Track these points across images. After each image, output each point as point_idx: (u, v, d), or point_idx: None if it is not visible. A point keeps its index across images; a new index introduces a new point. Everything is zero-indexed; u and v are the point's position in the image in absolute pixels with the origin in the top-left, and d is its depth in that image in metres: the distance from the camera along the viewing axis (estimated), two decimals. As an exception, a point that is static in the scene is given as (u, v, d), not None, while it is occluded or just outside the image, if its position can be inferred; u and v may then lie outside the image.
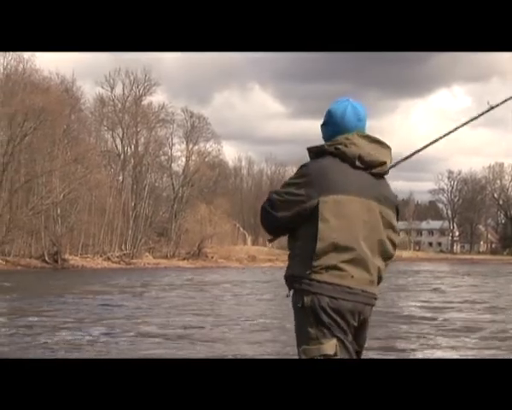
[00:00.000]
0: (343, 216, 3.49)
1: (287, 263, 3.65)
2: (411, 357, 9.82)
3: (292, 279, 3.52)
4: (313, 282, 3.42)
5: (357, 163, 3.58)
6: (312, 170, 3.57)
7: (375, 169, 3.64)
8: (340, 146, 3.59)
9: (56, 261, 51.69)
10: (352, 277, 3.46)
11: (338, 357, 3.39)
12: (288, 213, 3.56)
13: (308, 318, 3.42)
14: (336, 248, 3.45)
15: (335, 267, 3.44)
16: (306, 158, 3.71)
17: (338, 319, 3.41)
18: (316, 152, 3.67)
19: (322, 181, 3.51)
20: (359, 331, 3.54)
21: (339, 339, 3.42)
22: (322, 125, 3.79)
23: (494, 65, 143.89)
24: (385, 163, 3.67)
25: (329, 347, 3.39)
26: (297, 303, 3.47)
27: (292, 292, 3.55)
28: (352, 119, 3.69)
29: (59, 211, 54.62)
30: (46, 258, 51.83)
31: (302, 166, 3.63)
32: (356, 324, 3.49)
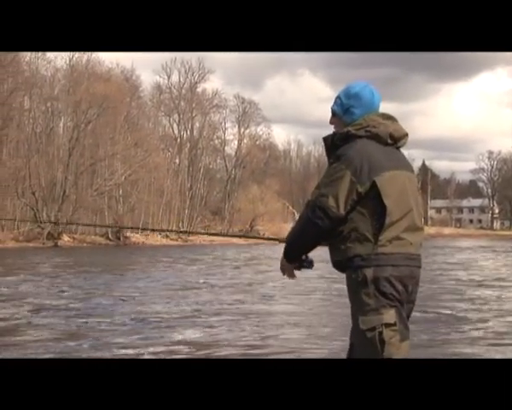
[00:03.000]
0: (398, 189, 3.49)
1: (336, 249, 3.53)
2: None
3: (354, 259, 3.44)
4: (379, 255, 3.40)
5: (389, 140, 3.58)
6: (354, 156, 3.46)
7: (400, 142, 3.64)
8: (369, 128, 3.55)
9: (119, 238, 52.38)
10: (411, 244, 3.49)
11: (397, 326, 3.39)
12: (346, 207, 3.44)
13: (368, 290, 3.39)
14: (398, 219, 3.46)
15: (397, 238, 3.45)
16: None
17: (399, 288, 3.42)
18: (343, 138, 3.57)
19: (369, 162, 3.45)
20: (414, 291, 3.54)
21: (396, 309, 3.42)
22: (348, 109, 3.65)
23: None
24: (407, 135, 3.68)
25: (389, 316, 3.39)
26: (357, 278, 3.42)
27: (346, 270, 3.50)
28: (379, 101, 3.71)
29: (121, 192, 55.33)
30: (109, 235, 52.50)
31: (340, 157, 3.49)
32: (412, 287, 3.50)
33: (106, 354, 7.94)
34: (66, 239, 48.70)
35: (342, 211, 3.43)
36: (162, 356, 7.86)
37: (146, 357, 7.75)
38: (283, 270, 3.78)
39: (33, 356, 7.76)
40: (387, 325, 3.37)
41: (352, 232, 3.46)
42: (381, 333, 3.36)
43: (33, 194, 48.73)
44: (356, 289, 3.44)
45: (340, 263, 3.55)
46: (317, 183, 3.62)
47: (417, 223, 3.56)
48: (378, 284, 3.39)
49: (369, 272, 3.40)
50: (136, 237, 54.55)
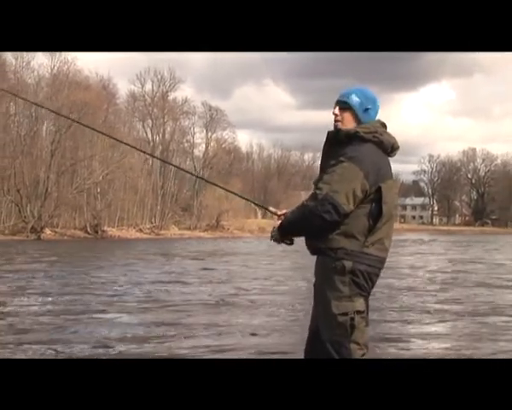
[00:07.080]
0: (392, 197, 3.53)
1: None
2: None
3: (337, 250, 3.43)
4: (362, 254, 3.43)
5: (389, 150, 3.60)
6: (365, 159, 3.42)
7: (394, 153, 3.65)
8: (377, 134, 3.52)
9: (97, 232, 51.89)
10: (386, 249, 3.55)
11: (365, 314, 3.48)
12: (355, 205, 3.42)
13: (345, 278, 3.42)
14: (384, 224, 3.48)
15: (380, 242, 3.49)
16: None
17: (369, 282, 3.48)
18: (350, 137, 3.50)
19: (377, 168, 3.45)
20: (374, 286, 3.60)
21: (365, 298, 3.50)
22: (367, 109, 3.57)
23: (476, 62, 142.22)
24: (399, 148, 3.67)
25: (360, 304, 3.46)
26: (336, 267, 3.43)
27: (325, 257, 3.48)
28: None
29: (99, 190, 54.72)
30: (88, 229, 52.02)
31: (352, 157, 3.42)
32: (374, 283, 3.57)
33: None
34: (48, 233, 48.05)
35: (352, 208, 3.40)
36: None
37: (145, 357, 7.07)
38: (275, 238, 3.68)
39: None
40: (358, 312, 3.44)
41: (341, 226, 3.43)
42: (352, 319, 3.42)
43: (18, 191, 48.15)
44: (331, 276, 3.45)
45: (318, 249, 3.52)
46: (319, 179, 3.51)
47: (393, 228, 3.61)
48: (354, 275, 3.42)
49: (348, 264, 3.41)
50: (113, 231, 54.08)
